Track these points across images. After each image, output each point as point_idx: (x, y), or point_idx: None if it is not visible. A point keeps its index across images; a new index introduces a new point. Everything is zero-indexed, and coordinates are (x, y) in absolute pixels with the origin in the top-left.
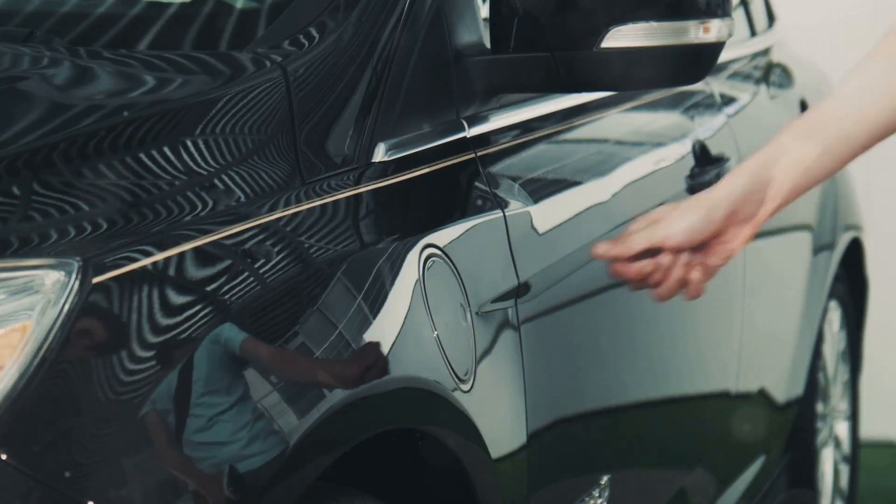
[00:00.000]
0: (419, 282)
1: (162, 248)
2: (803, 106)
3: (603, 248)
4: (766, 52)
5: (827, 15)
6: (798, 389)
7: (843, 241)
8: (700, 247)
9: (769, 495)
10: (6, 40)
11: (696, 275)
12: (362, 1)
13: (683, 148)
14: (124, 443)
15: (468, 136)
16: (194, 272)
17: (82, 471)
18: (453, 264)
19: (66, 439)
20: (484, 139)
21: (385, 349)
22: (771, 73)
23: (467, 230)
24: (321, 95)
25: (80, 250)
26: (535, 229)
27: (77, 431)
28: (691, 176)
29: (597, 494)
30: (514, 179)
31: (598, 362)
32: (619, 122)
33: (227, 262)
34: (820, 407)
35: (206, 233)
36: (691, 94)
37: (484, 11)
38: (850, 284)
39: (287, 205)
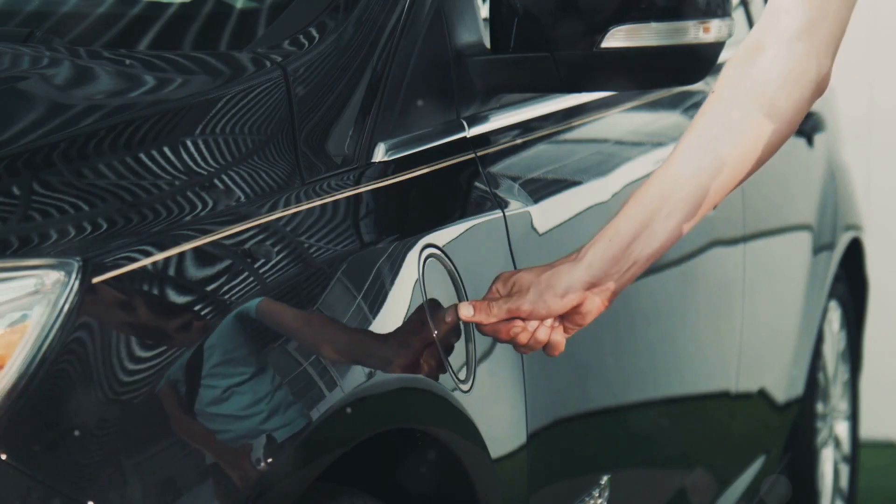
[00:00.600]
0: (419, 282)
1: (162, 248)
2: None
3: (467, 312)
4: None
5: None
6: (798, 389)
7: (843, 241)
8: None
9: (769, 495)
10: (6, 40)
11: (556, 336)
12: (362, 1)
13: None
14: (124, 443)
15: (468, 136)
16: (194, 272)
17: (82, 471)
18: (453, 264)
19: (66, 439)
20: (484, 139)
21: (385, 349)
22: None
23: (467, 230)
24: (321, 95)
25: (80, 250)
26: (535, 229)
27: (77, 431)
28: None
29: (597, 494)
30: (514, 179)
31: (597, 362)
32: (619, 122)
33: (227, 262)
34: (820, 407)
35: (206, 233)
36: (691, 94)
37: (484, 11)
38: (850, 284)
39: (287, 205)
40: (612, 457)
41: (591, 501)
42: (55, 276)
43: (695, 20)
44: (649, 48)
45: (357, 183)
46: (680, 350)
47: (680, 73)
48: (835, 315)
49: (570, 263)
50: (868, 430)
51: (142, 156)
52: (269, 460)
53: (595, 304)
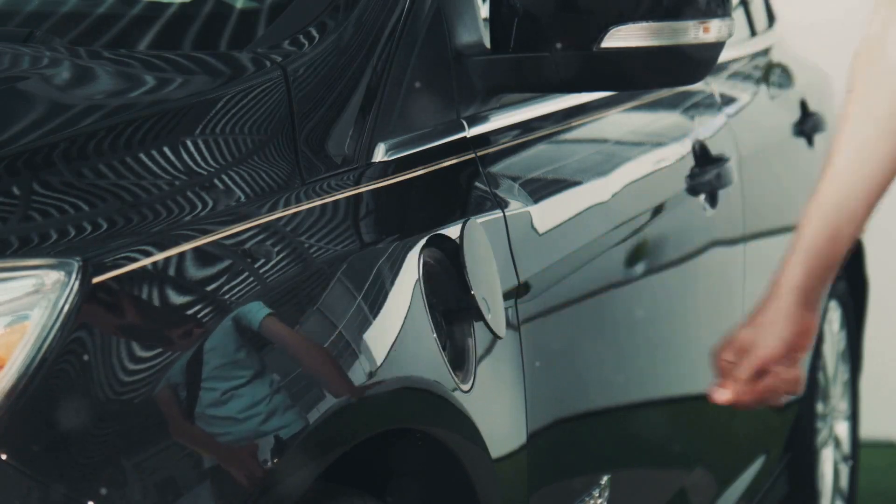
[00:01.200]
0: (419, 282)
1: (162, 248)
2: (803, 106)
3: (724, 397)
4: (766, 52)
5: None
6: None
7: None
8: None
9: (769, 495)
10: (6, 40)
11: (796, 371)
12: (362, 1)
13: (683, 148)
14: (124, 443)
15: (468, 136)
16: (194, 272)
17: (82, 471)
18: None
19: (66, 439)
20: (484, 139)
21: (385, 349)
22: (771, 73)
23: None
24: (321, 95)
25: (80, 250)
26: (535, 229)
27: (77, 431)
28: (691, 176)
29: (597, 494)
30: (514, 179)
31: (598, 362)
32: (619, 122)
33: (227, 262)
34: (820, 407)
35: (206, 233)
36: (691, 94)
37: (484, 11)
38: (850, 284)
39: (287, 205)
40: (612, 457)
41: (591, 501)
42: (55, 276)
43: (695, 20)
44: (649, 48)
45: (357, 183)
46: (680, 350)
47: (680, 73)
48: (835, 315)
49: (771, 298)
50: (868, 430)
51: (142, 156)
52: (269, 460)
53: (808, 319)
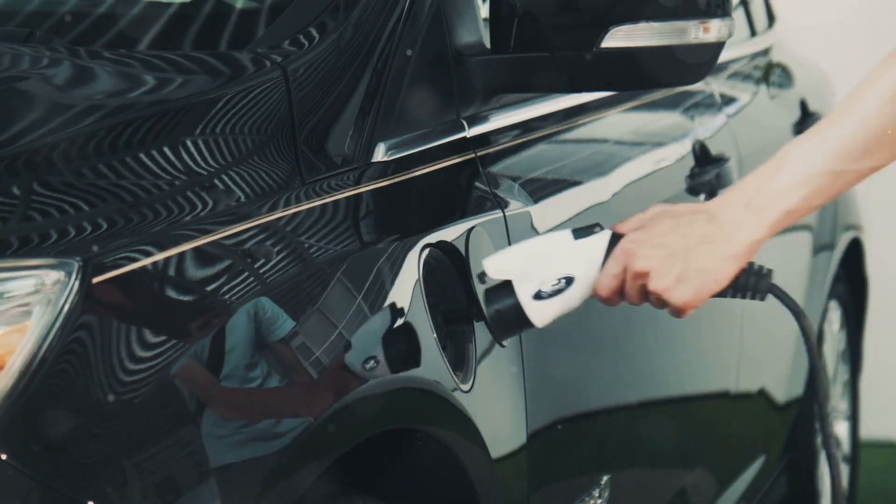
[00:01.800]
0: (419, 282)
1: (162, 248)
2: (803, 106)
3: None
4: (766, 52)
5: (827, 15)
6: (798, 389)
7: (843, 241)
8: None
9: (769, 495)
10: (6, 40)
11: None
12: (362, 1)
13: (683, 148)
14: (124, 443)
15: (468, 136)
16: (194, 272)
17: (82, 471)
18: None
19: (66, 439)
20: (484, 139)
21: (385, 349)
22: (771, 73)
23: (467, 230)
24: (321, 95)
25: (80, 250)
26: (535, 229)
27: (77, 431)
28: (691, 176)
29: (597, 494)
30: (514, 179)
31: (597, 362)
32: (619, 122)
33: (227, 262)
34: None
35: (206, 233)
36: (691, 94)
37: (484, 11)
38: (850, 284)
39: (287, 205)
40: (612, 457)
41: (591, 501)
42: (55, 276)
43: (695, 20)
44: (649, 48)
45: (357, 183)
46: (680, 350)
47: (680, 73)
48: (835, 315)
49: (720, 210)
50: (868, 430)
51: (142, 156)
52: (269, 460)
53: (751, 252)
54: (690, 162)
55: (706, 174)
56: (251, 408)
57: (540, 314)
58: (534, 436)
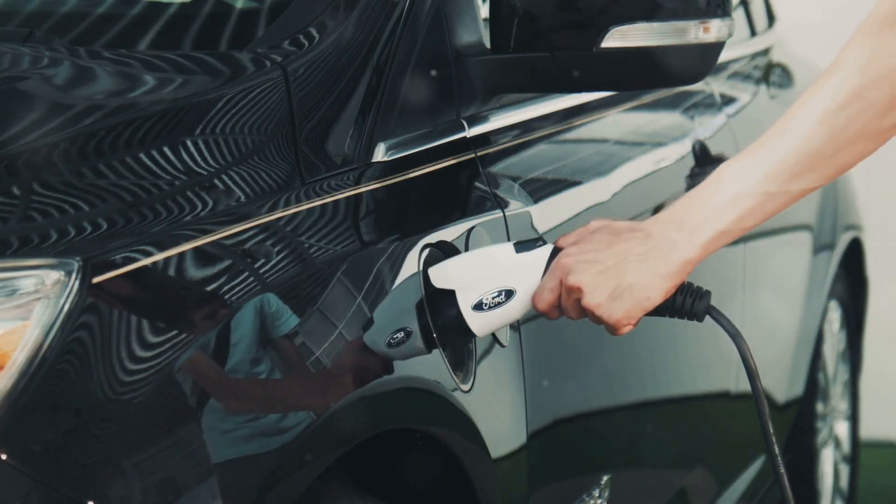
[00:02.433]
0: (419, 282)
1: (162, 248)
2: None
3: (538, 303)
4: (766, 52)
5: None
6: (798, 389)
7: (843, 241)
8: None
9: (769, 495)
10: (6, 40)
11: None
12: (362, 1)
13: (683, 148)
14: (124, 443)
15: (468, 136)
16: (194, 272)
17: (82, 471)
18: None
19: (66, 439)
20: (484, 139)
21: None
22: (771, 73)
23: (467, 230)
24: (321, 95)
25: (80, 250)
26: (535, 229)
27: (77, 431)
28: (691, 176)
29: (597, 494)
30: (514, 179)
31: (597, 362)
32: (619, 122)
33: (227, 262)
34: (820, 407)
35: (206, 233)
36: (691, 94)
37: (484, 11)
38: (850, 284)
39: (287, 205)
40: (612, 457)
41: (591, 501)
42: (55, 276)
43: (695, 20)
44: (649, 48)
45: (357, 183)
46: (680, 350)
47: (680, 73)
48: (835, 315)
49: (652, 230)
50: (868, 430)
51: (142, 156)
52: (269, 460)
53: (682, 276)
54: (690, 162)
55: (706, 174)
56: (251, 408)
57: (480, 325)
58: (534, 436)
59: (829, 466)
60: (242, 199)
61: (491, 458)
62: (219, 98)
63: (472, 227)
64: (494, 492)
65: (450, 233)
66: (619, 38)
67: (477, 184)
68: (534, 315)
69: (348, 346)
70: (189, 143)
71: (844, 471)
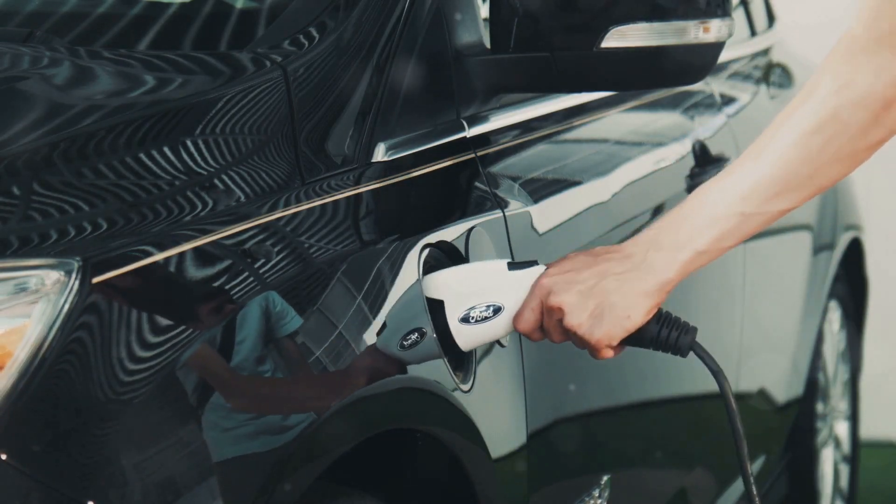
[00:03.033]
0: (419, 282)
1: (162, 248)
2: None
3: (520, 325)
4: (766, 52)
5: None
6: (798, 389)
7: (843, 241)
8: None
9: (769, 495)
10: (6, 40)
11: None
12: (362, 1)
13: (683, 148)
14: (124, 443)
15: (468, 136)
16: (194, 272)
17: (82, 471)
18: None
19: (66, 439)
20: (484, 139)
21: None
22: (771, 73)
23: (467, 230)
24: (321, 95)
25: (80, 250)
26: (535, 229)
27: (77, 431)
28: (691, 176)
29: (597, 494)
30: (514, 179)
31: (597, 362)
32: (619, 122)
33: (227, 262)
34: (820, 407)
35: (206, 233)
36: (691, 94)
37: (484, 11)
38: (850, 284)
39: (287, 205)
40: (612, 457)
41: (591, 501)
42: (55, 276)
43: (695, 20)
44: (649, 48)
45: (357, 183)
46: None
47: (680, 73)
48: (835, 315)
49: (631, 251)
50: (868, 430)
51: (142, 156)
52: (270, 460)
53: (661, 296)
54: (690, 162)
55: (706, 174)
56: (251, 408)
57: (465, 338)
58: (534, 436)
59: (829, 466)
60: (242, 199)
61: (491, 458)
62: (219, 98)
63: (472, 227)
64: (494, 492)
65: (450, 233)
66: (619, 38)
67: (477, 184)
68: None
69: (349, 347)
70: (189, 143)
71: (844, 471)
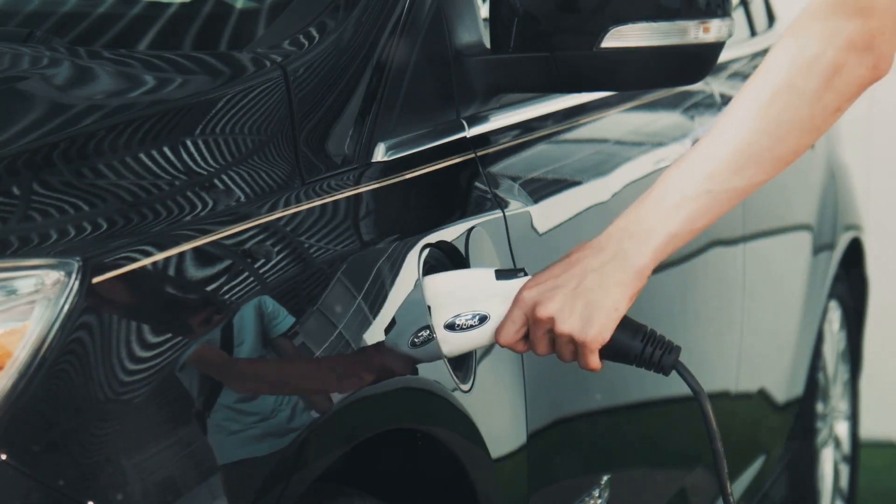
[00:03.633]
0: (419, 282)
1: (162, 248)
2: None
3: (501, 338)
4: (766, 52)
5: None
6: (798, 389)
7: (843, 241)
8: None
9: (769, 495)
10: (6, 40)
11: None
12: (362, 1)
13: (683, 148)
14: (124, 443)
15: (468, 136)
16: (194, 272)
17: (82, 471)
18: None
19: (66, 439)
20: (484, 139)
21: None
22: None
23: (467, 230)
24: (321, 95)
25: (80, 250)
26: (535, 229)
27: (77, 431)
28: None
29: (597, 494)
30: (514, 179)
31: None
32: (619, 122)
33: (227, 262)
34: (820, 407)
35: (206, 233)
36: (691, 94)
37: (484, 11)
38: (850, 284)
39: (287, 205)
40: (612, 457)
41: (591, 501)
42: (55, 276)
43: (695, 20)
44: (649, 48)
45: (357, 183)
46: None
47: (680, 73)
48: (835, 315)
49: (603, 246)
50: (868, 430)
51: (142, 156)
52: (270, 461)
53: (641, 282)
54: None
55: None
56: (251, 408)
57: (449, 344)
58: (534, 436)
59: (829, 466)
60: (242, 199)
61: (491, 458)
62: (219, 98)
63: (472, 227)
64: (494, 492)
65: (450, 233)
66: (619, 38)
67: (477, 184)
68: None
69: (349, 347)
70: (189, 143)
71: (844, 471)
